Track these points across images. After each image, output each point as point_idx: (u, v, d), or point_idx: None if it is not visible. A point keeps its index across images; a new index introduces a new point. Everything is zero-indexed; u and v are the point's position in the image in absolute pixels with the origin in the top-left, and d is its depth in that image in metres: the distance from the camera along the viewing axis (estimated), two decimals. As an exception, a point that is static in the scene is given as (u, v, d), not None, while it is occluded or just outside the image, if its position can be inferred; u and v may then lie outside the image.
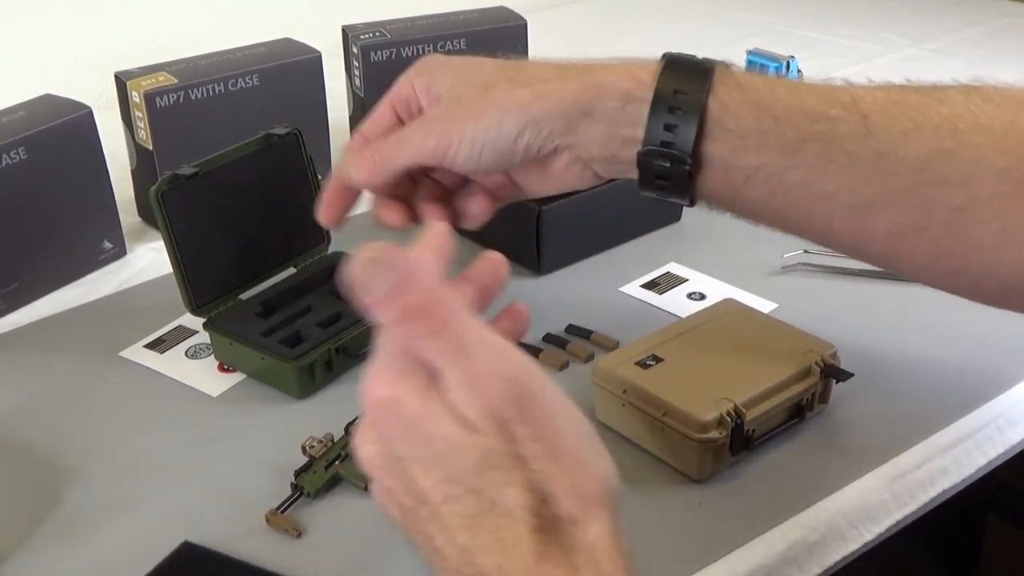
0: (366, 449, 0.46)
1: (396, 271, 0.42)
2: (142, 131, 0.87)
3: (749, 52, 1.08)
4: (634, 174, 0.59)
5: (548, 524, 0.42)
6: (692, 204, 0.59)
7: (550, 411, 0.43)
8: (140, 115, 0.87)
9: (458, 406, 0.43)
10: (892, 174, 0.53)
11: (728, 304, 0.71)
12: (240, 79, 0.89)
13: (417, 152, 0.59)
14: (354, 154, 0.62)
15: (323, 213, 0.64)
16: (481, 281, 0.49)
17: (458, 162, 0.59)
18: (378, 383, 0.45)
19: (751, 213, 0.58)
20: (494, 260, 0.49)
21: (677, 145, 0.56)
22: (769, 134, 0.55)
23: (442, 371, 0.43)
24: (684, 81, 0.56)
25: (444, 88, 0.60)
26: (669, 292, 0.81)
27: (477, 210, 0.63)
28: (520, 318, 0.50)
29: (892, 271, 0.59)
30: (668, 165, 0.57)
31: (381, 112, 0.63)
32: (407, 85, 0.62)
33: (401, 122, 0.63)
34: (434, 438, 0.43)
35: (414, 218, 0.64)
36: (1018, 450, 0.68)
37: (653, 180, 0.58)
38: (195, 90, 0.87)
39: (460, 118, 0.59)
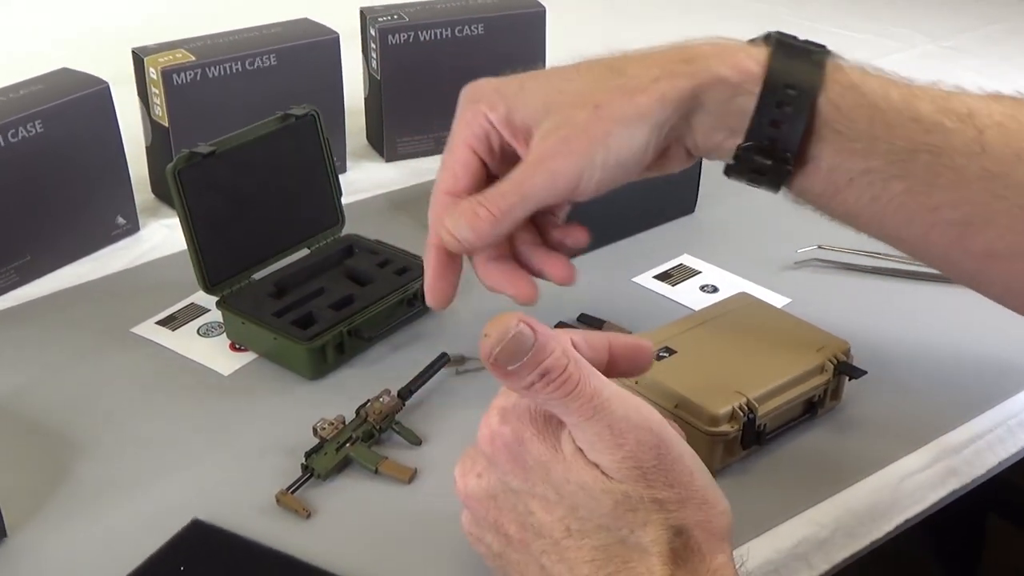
0: (471, 481, 0.50)
1: (530, 341, 0.44)
2: (158, 108, 0.87)
3: (767, 45, 1.07)
4: (730, 159, 0.57)
5: (678, 555, 0.45)
6: (777, 190, 0.57)
7: (681, 456, 0.46)
8: (157, 92, 0.86)
9: (592, 455, 0.46)
10: (1000, 196, 0.52)
11: (742, 298, 0.71)
12: (258, 58, 0.89)
13: (546, 194, 0.54)
14: (456, 214, 0.54)
15: (433, 295, 0.56)
16: (620, 359, 0.50)
17: (589, 191, 0.55)
18: (503, 419, 0.48)
19: (845, 216, 0.56)
20: (643, 349, 0.51)
21: (781, 143, 0.54)
22: (879, 140, 0.53)
23: (576, 426, 0.46)
24: (794, 75, 0.54)
25: (537, 114, 0.55)
26: (682, 284, 0.81)
27: (579, 237, 0.60)
28: (642, 355, 0.51)
29: (978, 291, 0.57)
30: (769, 163, 0.55)
31: (462, 160, 0.56)
32: (480, 121, 0.56)
33: (485, 165, 0.56)
34: (565, 483, 0.46)
35: (528, 278, 0.58)
36: (1027, 452, 0.68)
37: (748, 172, 0.56)
38: (212, 68, 0.87)
39: (586, 146, 0.53)
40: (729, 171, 0.57)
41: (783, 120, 0.54)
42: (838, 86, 0.54)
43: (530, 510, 0.47)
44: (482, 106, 0.56)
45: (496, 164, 0.56)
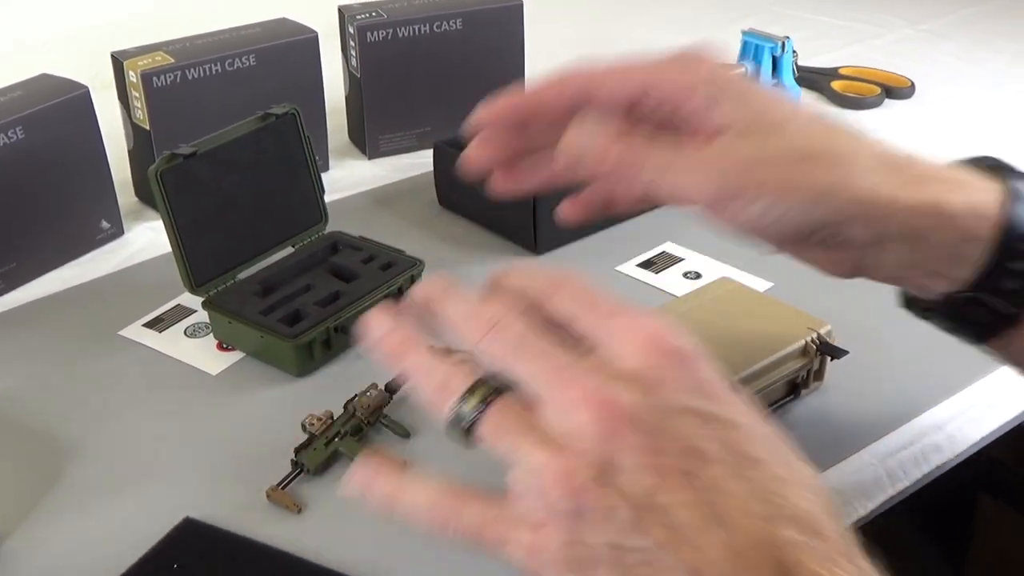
0: (631, 398, 0.38)
1: None
2: (139, 111, 0.87)
3: (745, 32, 1.08)
4: (909, 289, 0.51)
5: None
6: (979, 344, 0.51)
7: None
8: (137, 95, 0.87)
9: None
10: None
11: (724, 283, 0.71)
12: (237, 59, 0.89)
13: (703, 187, 0.47)
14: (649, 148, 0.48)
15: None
16: None
17: (738, 219, 0.47)
18: (671, 330, 0.40)
19: None
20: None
21: (1003, 301, 0.47)
22: None
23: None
24: None
25: (738, 116, 0.47)
26: (665, 271, 0.81)
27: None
28: None
29: None
30: (981, 316, 0.48)
31: (628, 83, 0.49)
32: (671, 73, 0.48)
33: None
34: (742, 414, 0.40)
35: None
36: (1010, 427, 0.68)
37: (948, 320, 0.50)
38: (192, 70, 0.87)
39: (773, 180, 0.46)
40: (915, 308, 0.51)
41: (1012, 277, 0.47)
42: None
43: (709, 435, 0.38)
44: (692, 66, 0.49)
45: None
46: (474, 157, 0.52)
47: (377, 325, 0.43)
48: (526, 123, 0.52)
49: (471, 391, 0.40)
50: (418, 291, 0.44)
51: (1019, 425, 0.69)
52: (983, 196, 0.47)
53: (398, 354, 0.43)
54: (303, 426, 0.63)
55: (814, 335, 0.64)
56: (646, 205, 0.54)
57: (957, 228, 0.47)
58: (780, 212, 0.47)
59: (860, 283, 0.78)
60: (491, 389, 0.40)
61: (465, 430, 0.40)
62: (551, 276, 0.43)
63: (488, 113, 0.51)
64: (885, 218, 0.47)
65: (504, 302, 0.42)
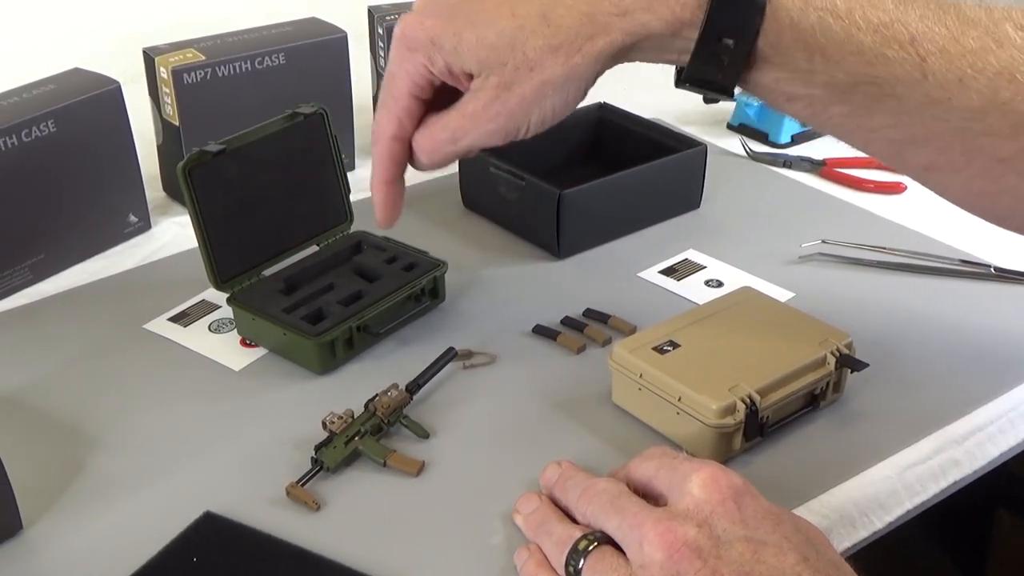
0: (687, 531, 0.48)
1: None
2: (169, 107, 0.88)
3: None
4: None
5: None
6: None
7: None
8: (167, 91, 0.87)
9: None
10: (941, 120, 0.52)
11: (745, 292, 0.71)
12: (267, 57, 0.90)
13: (482, 145, 0.59)
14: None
15: (388, 220, 0.64)
16: None
17: (525, 137, 0.59)
18: (727, 473, 0.51)
19: (788, 115, 0.58)
20: None
21: (719, 83, 0.55)
22: (818, 74, 0.53)
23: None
24: (732, 24, 0.53)
25: (475, 67, 0.57)
26: (687, 279, 0.81)
27: None
28: None
29: None
30: (709, 90, 0.57)
31: (407, 108, 0.60)
32: (422, 72, 0.59)
33: (425, 103, 0.60)
34: (796, 532, 0.49)
35: (396, 209, 0.65)
36: (1030, 444, 0.68)
37: (693, 89, 0.57)
38: (222, 67, 0.88)
39: (520, 107, 0.57)
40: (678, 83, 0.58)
41: (719, 67, 0.55)
42: (776, 25, 0.53)
43: (760, 558, 0.47)
44: (420, 57, 0.58)
45: (436, 98, 0.60)
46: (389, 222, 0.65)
47: (526, 504, 0.57)
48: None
49: (579, 542, 0.51)
50: (543, 479, 0.58)
51: (1039, 442, 0.69)
52: (683, 11, 0.54)
53: (536, 522, 0.55)
54: (324, 424, 0.63)
55: (834, 347, 0.64)
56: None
57: (665, 37, 0.55)
58: (550, 114, 0.57)
59: (881, 297, 0.79)
60: (592, 540, 0.51)
61: (575, 571, 0.50)
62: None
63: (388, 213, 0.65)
64: (608, 54, 0.55)
65: (599, 478, 0.55)
